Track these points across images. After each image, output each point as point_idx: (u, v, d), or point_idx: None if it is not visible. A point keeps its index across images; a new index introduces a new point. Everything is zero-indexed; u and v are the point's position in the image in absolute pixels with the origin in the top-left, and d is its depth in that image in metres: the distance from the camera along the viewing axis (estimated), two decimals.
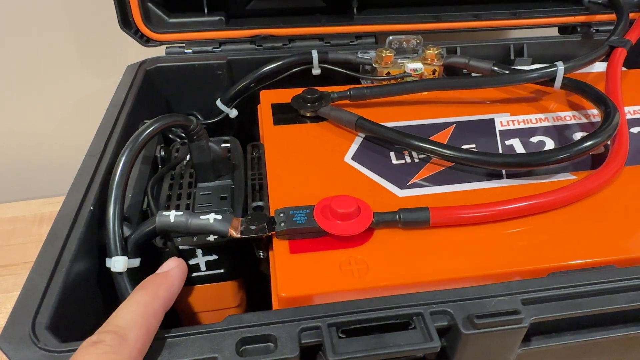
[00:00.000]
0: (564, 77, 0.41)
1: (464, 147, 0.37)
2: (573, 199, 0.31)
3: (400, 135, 0.36)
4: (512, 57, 0.52)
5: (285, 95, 0.44)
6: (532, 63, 0.53)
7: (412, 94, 0.42)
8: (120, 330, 0.21)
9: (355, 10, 0.52)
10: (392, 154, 0.37)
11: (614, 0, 0.52)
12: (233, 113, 0.49)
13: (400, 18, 0.52)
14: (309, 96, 0.41)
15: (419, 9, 0.54)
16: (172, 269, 0.26)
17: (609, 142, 0.36)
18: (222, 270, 0.33)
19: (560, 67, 0.41)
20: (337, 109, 0.40)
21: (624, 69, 0.51)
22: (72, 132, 0.67)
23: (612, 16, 0.54)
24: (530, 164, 0.33)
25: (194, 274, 0.32)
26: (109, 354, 0.19)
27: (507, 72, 0.45)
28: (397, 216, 0.29)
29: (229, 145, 0.41)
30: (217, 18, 0.50)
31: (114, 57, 0.62)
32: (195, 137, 0.34)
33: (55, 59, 0.62)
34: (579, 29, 0.55)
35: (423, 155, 0.36)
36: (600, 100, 0.38)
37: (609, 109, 0.36)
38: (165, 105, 0.49)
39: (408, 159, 0.36)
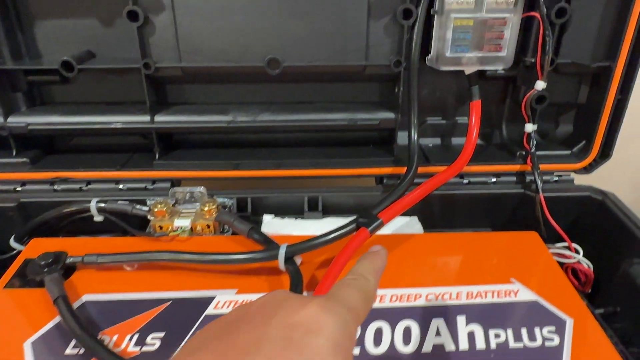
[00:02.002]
0: (288, 259, 0.41)
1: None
2: None
3: (74, 324, 0.36)
4: (305, 209, 0.52)
5: (57, 245, 0.46)
6: (325, 215, 0.52)
7: (140, 262, 0.43)
8: (364, 275, 0.26)
9: (157, 155, 0.54)
10: (73, 342, 0.37)
11: (411, 152, 0.50)
12: None
13: (199, 165, 0.53)
14: (42, 262, 0.42)
15: (222, 153, 0.55)
16: (381, 249, 0.30)
17: None
18: None
19: (282, 250, 0.41)
20: (54, 280, 0.41)
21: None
22: None
23: (424, 168, 0.53)
24: None
25: None
26: (361, 286, 0.25)
27: (258, 237, 0.45)
28: None
29: None
30: (23, 160, 0.53)
31: None
32: None
33: None
34: (385, 180, 0.54)
35: None
36: None
37: None
38: None
39: (82, 349, 0.36)
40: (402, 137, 0.54)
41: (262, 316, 0.22)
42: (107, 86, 0.54)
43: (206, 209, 0.49)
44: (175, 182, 0.53)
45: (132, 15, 0.46)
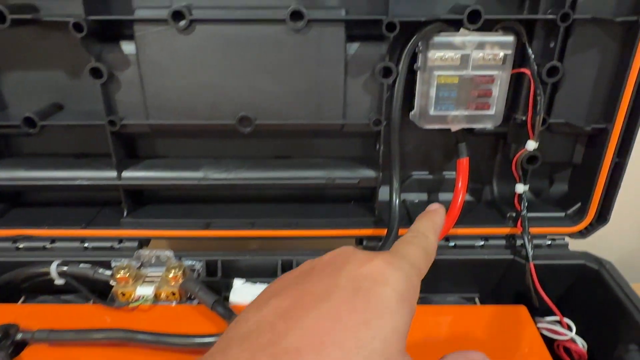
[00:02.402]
0: None
1: None
2: None
3: None
4: (279, 274, 0.49)
5: (13, 313, 0.44)
6: None
7: (91, 341, 0.40)
8: (424, 233, 0.27)
9: (125, 212, 0.51)
10: None
11: (392, 217, 0.47)
12: None
13: (168, 223, 0.51)
14: None
15: (194, 209, 0.52)
16: (439, 207, 0.30)
17: None
18: None
19: None
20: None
21: None
22: None
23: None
24: None
25: None
26: (421, 243, 0.26)
27: (223, 311, 0.42)
28: None
29: None
30: None
31: None
32: None
33: None
34: (365, 242, 0.51)
35: None
36: None
37: None
38: None
39: None
40: (384, 194, 0.51)
41: (331, 268, 0.23)
42: (76, 137, 0.52)
43: (171, 275, 0.46)
44: (144, 241, 0.50)
45: (95, 72, 0.44)
